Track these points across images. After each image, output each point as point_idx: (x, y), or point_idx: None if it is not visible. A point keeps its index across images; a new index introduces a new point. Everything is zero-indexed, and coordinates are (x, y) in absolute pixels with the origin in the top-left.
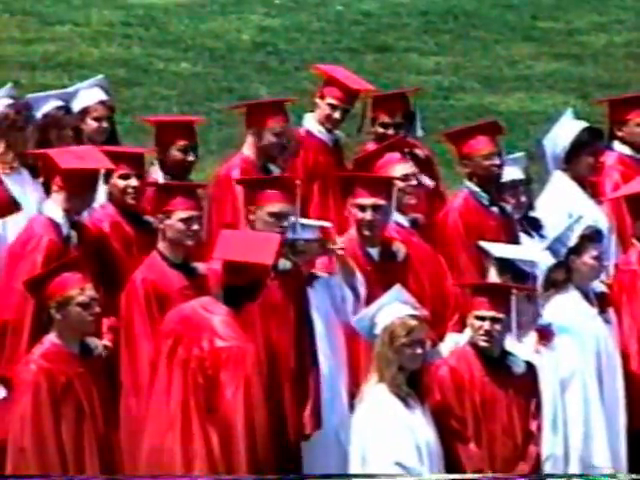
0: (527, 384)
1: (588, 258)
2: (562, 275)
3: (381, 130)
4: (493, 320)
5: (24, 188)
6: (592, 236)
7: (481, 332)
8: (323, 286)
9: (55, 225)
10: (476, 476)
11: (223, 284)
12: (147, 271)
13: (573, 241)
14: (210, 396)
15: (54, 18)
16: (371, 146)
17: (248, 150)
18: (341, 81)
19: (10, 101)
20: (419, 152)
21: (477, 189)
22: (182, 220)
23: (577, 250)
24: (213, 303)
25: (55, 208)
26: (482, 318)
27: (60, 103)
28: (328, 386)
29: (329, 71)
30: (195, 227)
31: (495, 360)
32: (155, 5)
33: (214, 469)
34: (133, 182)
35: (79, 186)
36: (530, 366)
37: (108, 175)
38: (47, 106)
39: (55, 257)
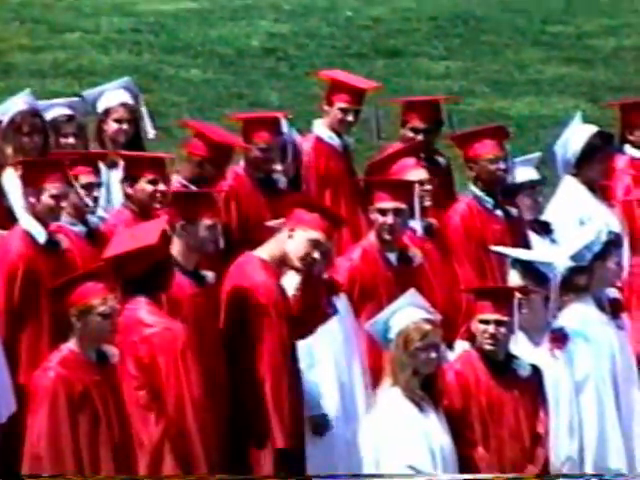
0: (533, 387)
1: (612, 263)
2: (584, 280)
3: (411, 134)
4: (497, 323)
5: None
6: (615, 241)
7: (486, 335)
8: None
9: (29, 235)
10: (489, 476)
11: (126, 278)
12: None
13: (600, 246)
14: (154, 383)
15: (64, 26)
16: (396, 147)
17: (241, 163)
18: (348, 83)
19: (24, 107)
20: (440, 159)
21: (481, 193)
22: (208, 228)
23: (602, 256)
24: (133, 300)
25: (29, 219)
26: (486, 322)
27: (66, 111)
28: (347, 394)
29: (334, 76)
30: (218, 235)
31: (500, 363)
32: (165, 12)
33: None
34: (161, 187)
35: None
36: (535, 369)
37: (125, 179)
38: (52, 112)
39: (30, 267)
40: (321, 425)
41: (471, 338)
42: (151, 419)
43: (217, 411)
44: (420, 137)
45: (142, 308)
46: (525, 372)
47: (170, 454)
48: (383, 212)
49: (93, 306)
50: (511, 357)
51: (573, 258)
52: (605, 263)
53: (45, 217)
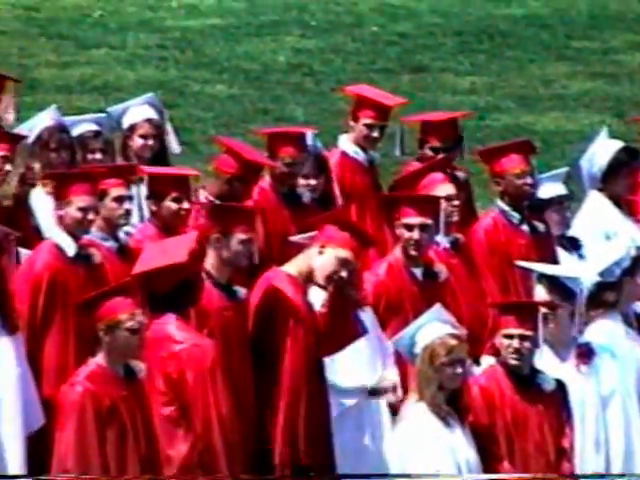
0: (557, 401)
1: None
2: (613, 297)
3: (431, 154)
4: (521, 338)
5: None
6: None
7: (510, 350)
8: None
9: (58, 248)
10: (506, 476)
11: (156, 293)
12: None
13: (629, 262)
14: (182, 399)
15: (90, 42)
16: (415, 165)
17: (267, 177)
18: (374, 99)
19: (51, 123)
20: (460, 174)
21: (507, 208)
22: (242, 242)
23: (630, 271)
24: (162, 316)
25: (58, 231)
26: (510, 336)
27: (93, 126)
28: (373, 409)
29: (360, 92)
30: (252, 249)
31: (525, 378)
32: (190, 28)
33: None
34: (185, 205)
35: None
36: (560, 384)
37: (150, 196)
38: (79, 129)
39: (57, 278)
40: None
41: (496, 353)
42: (179, 435)
43: (243, 428)
44: (440, 156)
45: (171, 324)
46: (550, 386)
47: (198, 470)
48: (409, 227)
49: (121, 321)
50: (536, 372)
51: (603, 274)
52: (634, 279)
53: (74, 230)
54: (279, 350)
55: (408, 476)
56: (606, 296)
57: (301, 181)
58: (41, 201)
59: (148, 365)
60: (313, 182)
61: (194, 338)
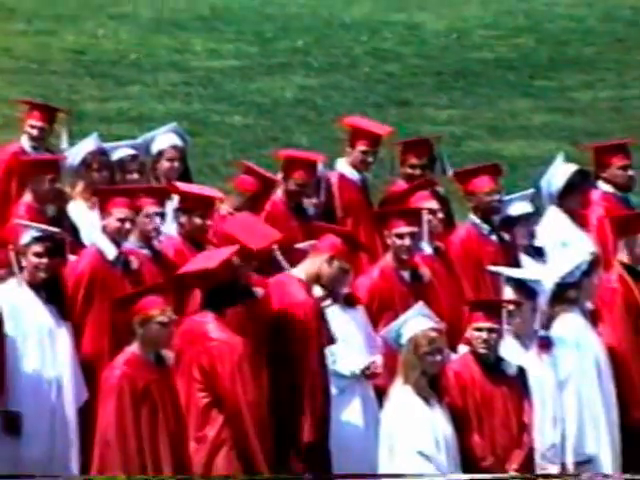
0: (519, 384)
1: (594, 279)
2: (574, 294)
3: (409, 170)
4: (489, 330)
5: None
6: (597, 261)
7: (480, 341)
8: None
9: (100, 253)
10: (490, 476)
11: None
12: None
13: (587, 265)
14: (214, 387)
15: (127, 79)
16: (400, 184)
17: (280, 191)
18: (369, 130)
19: (93, 148)
20: (440, 189)
21: (478, 221)
22: None
23: (587, 273)
24: (202, 313)
25: (101, 237)
26: (480, 329)
27: (130, 151)
28: (364, 389)
29: (357, 123)
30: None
31: (491, 364)
32: (212, 68)
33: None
34: (208, 222)
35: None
36: (520, 369)
37: (179, 210)
38: (118, 153)
39: (96, 278)
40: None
41: (468, 343)
42: (211, 417)
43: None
44: (417, 172)
45: (210, 322)
46: (512, 371)
47: (227, 449)
48: (400, 236)
49: (153, 316)
50: (500, 359)
51: (566, 276)
52: (590, 279)
53: (114, 237)
54: (296, 348)
55: (403, 476)
56: (569, 294)
57: (305, 199)
58: (82, 214)
59: (187, 355)
60: (315, 200)
61: (226, 337)
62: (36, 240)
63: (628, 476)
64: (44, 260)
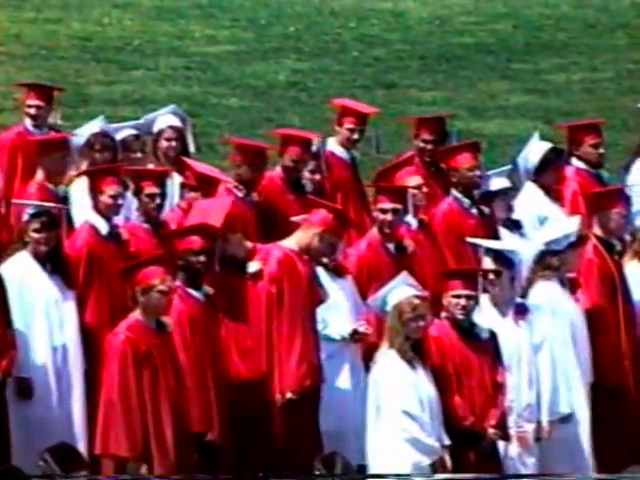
0: (491, 346)
1: (577, 253)
2: (557, 262)
3: (422, 144)
4: (468, 297)
5: None
6: (584, 238)
7: (458, 307)
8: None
9: (94, 229)
10: (486, 476)
11: None
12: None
13: (574, 237)
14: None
15: (130, 64)
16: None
17: (278, 168)
18: (355, 109)
19: (97, 129)
20: (443, 165)
21: (459, 195)
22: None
23: (573, 245)
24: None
25: (94, 215)
26: (458, 296)
27: (133, 131)
28: (352, 350)
29: (344, 103)
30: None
31: (466, 329)
32: (210, 53)
33: None
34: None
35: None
36: (492, 332)
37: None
38: (122, 133)
39: (93, 252)
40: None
41: (444, 309)
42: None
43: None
44: (429, 146)
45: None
46: (485, 335)
47: None
48: (384, 211)
49: (154, 285)
50: (473, 324)
51: (552, 243)
52: (575, 252)
53: (107, 213)
54: (293, 304)
55: (404, 476)
56: (552, 261)
57: (307, 175)
58: (84, 191)
59: None
60: (318, 177)
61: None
62: (33, 217)
63: (627, 475)
64: (42, 234)
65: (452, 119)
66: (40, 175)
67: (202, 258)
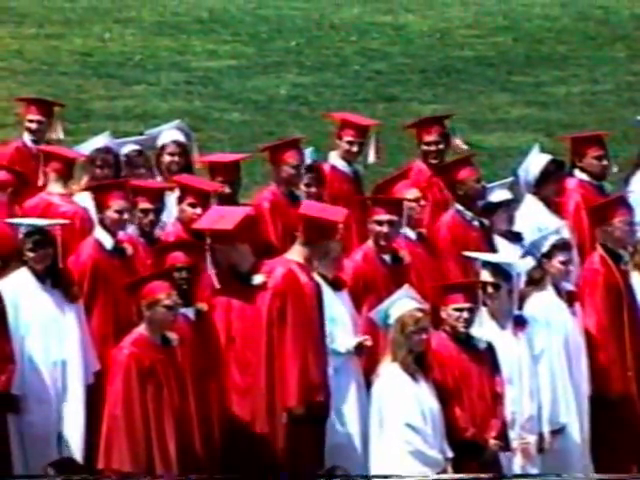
0: (489, 358)
1: (556, 262)
2: (538, 274)
3: (425, 148)
4: (470, 310)
5: None
6: (560, 245)
7: (461, 320)
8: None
9: (99, 243)
10: (484, 476)
11: None
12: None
13: (546, 248)
14: None
15: (132, 79)
16: (419, 164)
17: (274, 183)
18: (354, 121)
19: (101, 145)
20: (446, 180)
21: (462, 208)
22: None
23: (548, 255)
24: None
25: (99, 230)
26: (460, 310)
27: (136, 147)
28: (355, 364)
29: (342, 116)
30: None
31: (463, 341)
32: (211, 68)
33: None
34: (198, 210)
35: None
36: (489, 344)
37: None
38: (126, 149)
39: (98, 266)
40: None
41: (441, 323)
42: None
43: None
44: (433, 148)
45: None
46: (483, 345)
47: None
48: (380, 223)
49: (159, 299)
50: (470, 336)
51: (532, 246)
52: (551, 261)
53: (113, 228)
54: (296, 319)
55: (399, 477)
56: (533, 274)
57: (303, 188)
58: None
59: None
60: (314, 190)
61: None
62: (25, 236)
63: (627, 475)
64: (36, 253)
65: (451, 116)
66: (57, 187)
67: (184, 274)
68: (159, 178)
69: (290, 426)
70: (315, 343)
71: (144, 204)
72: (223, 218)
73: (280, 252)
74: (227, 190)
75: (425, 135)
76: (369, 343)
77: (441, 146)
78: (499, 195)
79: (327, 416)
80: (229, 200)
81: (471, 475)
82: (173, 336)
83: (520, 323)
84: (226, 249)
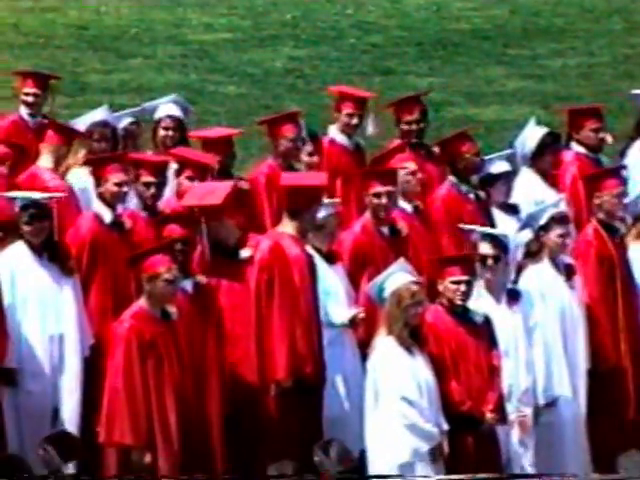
0: (485, 330)
1: (554, 235)
2: (535, 247)
3: (406, 127)
4: (467, 283)
5: None
6: (558, 218)
7: (458, 293)
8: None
9: (98, 217)
10: (484, 476)
11: None
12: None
13: (544, 220)
14: None
15: (128, 53)
16: (396, 143)
17: (272, 156)
18: (352, 94)
19: (98, 119)
20: (435, 149)
21: (456, 180)
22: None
23: (546, 228)
24: None
25: (99, 203)
26: (458, 282)
27: (133, 119)
28: (350, 335)
29: (341, 89)
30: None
31: (459, 314)
32: (207, 41)
33: None
34: (196, 184)
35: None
36: (486, 316)
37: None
38: (123, 122)
39: (96, 240)
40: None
41: (437, 296)
42: None
43: None
44: (414, 127)
45: None
46: (479, 319)
47: None
48: (378, 195)
49: (160, 273)
50: (467, 309)
51: (531, 217)
52: (548, 234)
53: (112, 201)
54: (284, 292)
55: (399, 477)
56: (531, 247)
57: (305, 158)
58: (80, 180)
59: None
60: (316, 159)
61: None
62: (22, 209)
63: (626, 475)
64: (32, 226)
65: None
66: (47, 162)
67: (179, 246)
68: (149, 152)
69: (280, 398)
70: (304, 315)
71: (146, 177)
72: (210, 193)
73: (273, 226)
74: (216, 165)
75: (406, 114)
76: (362, 315)
77: (422, 125)
78: (498, 167)
79: (319, 388)
80: (223, 174)
81: (471, 475)
82: (173, 309)
83: (513, 296)
84: (214, 224)
